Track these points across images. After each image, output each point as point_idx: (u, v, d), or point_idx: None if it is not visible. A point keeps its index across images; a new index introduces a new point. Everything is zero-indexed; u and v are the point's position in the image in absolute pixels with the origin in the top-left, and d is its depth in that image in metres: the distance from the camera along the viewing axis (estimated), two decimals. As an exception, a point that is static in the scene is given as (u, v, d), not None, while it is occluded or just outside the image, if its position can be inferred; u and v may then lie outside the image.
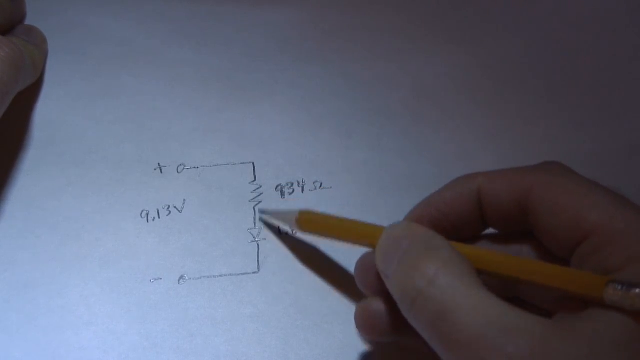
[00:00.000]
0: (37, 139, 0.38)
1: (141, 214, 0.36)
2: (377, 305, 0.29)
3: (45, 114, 0.38)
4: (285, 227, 0.35)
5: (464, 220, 0.29)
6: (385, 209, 0.37)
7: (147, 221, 0.35)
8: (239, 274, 0.34)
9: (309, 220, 0.32)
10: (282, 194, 0.37)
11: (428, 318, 0.24)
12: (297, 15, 0.44)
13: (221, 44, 0.42)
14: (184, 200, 0.36)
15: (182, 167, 0.37)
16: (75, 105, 0.39)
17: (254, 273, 0.34)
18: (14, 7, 0.39)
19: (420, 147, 0.39)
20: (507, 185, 0.28)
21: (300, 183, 0.37)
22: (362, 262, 0.31)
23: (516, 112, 0.41)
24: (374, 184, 0.38)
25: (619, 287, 0.22)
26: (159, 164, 0.37)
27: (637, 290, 0.22)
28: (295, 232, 0.35)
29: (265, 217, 0.36)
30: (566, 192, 0.26)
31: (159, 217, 0.36)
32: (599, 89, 0.42)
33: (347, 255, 0.35)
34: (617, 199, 0.26)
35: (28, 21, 0.41)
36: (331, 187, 0.37)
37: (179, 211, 0.36)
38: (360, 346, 0.32)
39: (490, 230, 0.31)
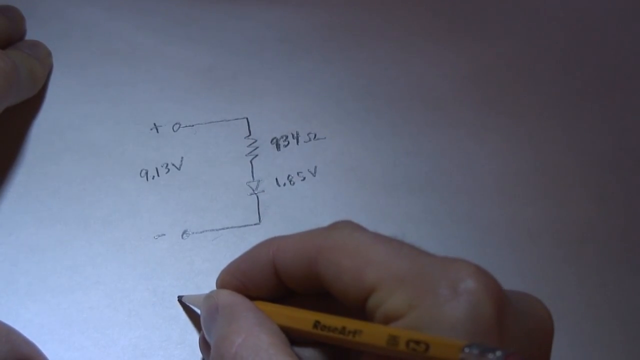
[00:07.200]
0: (34, 106, 0.37)
1: (140, 173, 0.36)
2: None
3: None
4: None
5: (266, 288, 0.28)
6: (378, 153, 0.38)
7: (147, 180, 0.36)
8: (240, 226, 0.35)
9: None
10: (278, 146, 0.37)
11: None
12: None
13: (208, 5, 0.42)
14: (182, 157, 0.37)
15: (178, 125, 0.37)
16: (68, 71, 0.39)
17: (255, 224, 0.35)
18: (10, 23, 0.38)
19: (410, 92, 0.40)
20: (296, 252, 0.27)
21: (295, 135, 0.38)
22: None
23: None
24: (366, 133, 0.38)
25: (476, 351, 0.21)
26: (154, 123, 0.37)
27: (491, 355, 0.21)
28: (293, 183, 0.36)
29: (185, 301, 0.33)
30: (347, 254, 0.25)
31: (158, 175, 0.36)
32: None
33: (350, 213, 0.36)
34: (396, 249, 0.25)
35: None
36: (325, 138, 0.38)
37: (177, 168, 0.36)
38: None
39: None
